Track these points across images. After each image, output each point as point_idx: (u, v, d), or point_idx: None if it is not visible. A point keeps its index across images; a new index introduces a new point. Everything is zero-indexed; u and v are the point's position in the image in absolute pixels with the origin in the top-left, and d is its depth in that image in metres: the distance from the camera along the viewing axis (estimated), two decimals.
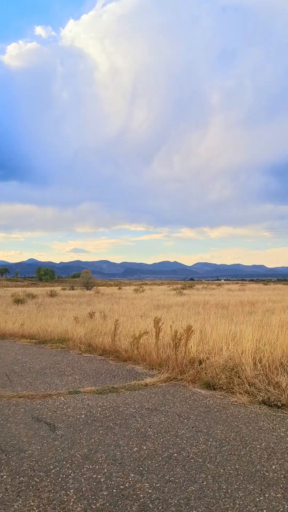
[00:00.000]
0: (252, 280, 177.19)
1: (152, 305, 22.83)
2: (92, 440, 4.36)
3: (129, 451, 4.09)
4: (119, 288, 61.55)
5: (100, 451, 4.09)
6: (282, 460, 3.84)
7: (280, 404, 5.21)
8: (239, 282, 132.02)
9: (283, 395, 5.33)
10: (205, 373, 6.24)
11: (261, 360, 6.33)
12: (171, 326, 7.98)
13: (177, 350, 6.89)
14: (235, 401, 5.47)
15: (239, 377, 5.92)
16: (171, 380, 6.57)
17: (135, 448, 4.14)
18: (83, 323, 12.65)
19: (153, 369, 7.28)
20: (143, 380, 6.65)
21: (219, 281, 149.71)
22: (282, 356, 6.40)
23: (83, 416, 5.06)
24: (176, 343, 6.83)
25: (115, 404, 5.50)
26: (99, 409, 5.30)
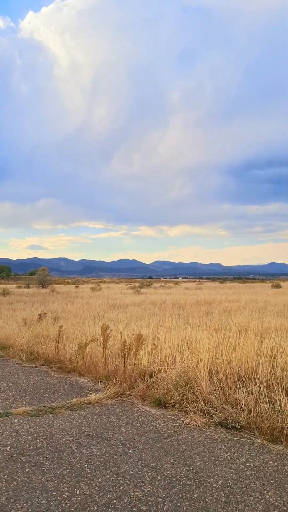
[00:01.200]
0: (209, 279, 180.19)
1: (107, 305, 22.03)
2: (15, 483, 3.52)
3: (58, 497, 3.29)
4: (76, 287, 60.08)
5: (22, 500, 3.26)
6: (243, 505, 3.19)
7: (239, 426, 4.59)
8: (197, 280, 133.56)
9: (242, 415, 4.72)
10: (157, 388, 5.54)
11: (217, 372, 5.72)
12: (121, 333, 7.22)
13: (126, 362, 6.15)
14: (189, 423, 4.80)
15: (193, 392, 5.26)
16: (118, 396, 5.82)
17: (66, 494, 3.35)
18: (30, 326, 11.66)
19: (99, 382, 6.49)
20: (86, 396, 5.85)
21: (177, 280, 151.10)
22: (240, 368, 5.82)
23: (8, 448, 4.19)
24: (125, 354, 6.08)
25: (49, 430, 4.66)
26: (29, 437, 4.45)
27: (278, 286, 50.54)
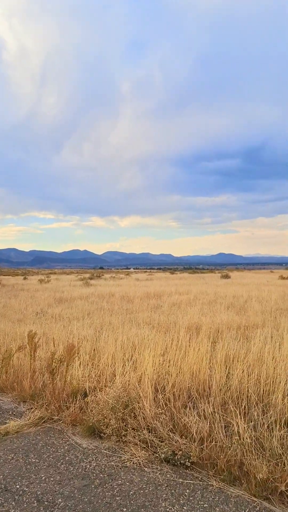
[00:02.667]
0: (160, 269, 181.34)
1: (54, 298, 20.71)
2: None
3: None
4: (25, 278, 57.55)
5: None
6: None
7: (189, 463, 3.70)
8: (148, 271, 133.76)
9: (193, 446, 3.84)
10: (91, 411, 4.53)
11: (164, 389, 4.81)
12: (53, 340, 6.13)
13: (56, 378, 5.08)
14: (129, 460, 3.84)
15: (135, 417, 4.31)
16: (45, 421, 4.75)
17: None
18: None
19: (24, 402, 5.38)
20: (5, 423, 4.73)
21: (128, 270, 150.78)
22: (191, 382, 4.95)
23: None
24: (53, 369, 5.01)
25: None
26: None
27: (227, 277, 51.20)
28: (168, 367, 5.14)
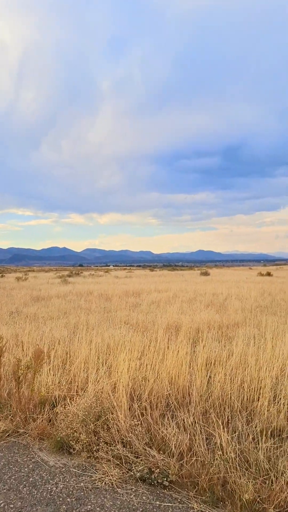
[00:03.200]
0: (140, 266, 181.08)
1: (30, 297, 20.08)
2: None
3: None
4: (2, 276, 56.29)
5: None
6: None
7: (168, 483, 3.33)
8: (127, 268, 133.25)
9: (171, 462, 3.47)
10: (60, 425, 4.11)
11: (140, 397, 4.43)
12: (22, 343, 5.67)
13: (22, 386, 4.64)
14: (100, 479, 3.44)
15: (108, 429, 3.92)
16: (9, 435, 4.30)
17: None
18: None
19: None
20: None
21: (108, 267, 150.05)
22: (169, 388, 4.57)
23: None
24: (19, 377, 4.56)
25: None
26: None
27: (206, 274, 51.28)
28: (145, 372, 4.75)
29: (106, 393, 4.25)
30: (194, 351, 5.55)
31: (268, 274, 50.46)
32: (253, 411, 4.13)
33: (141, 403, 4.25)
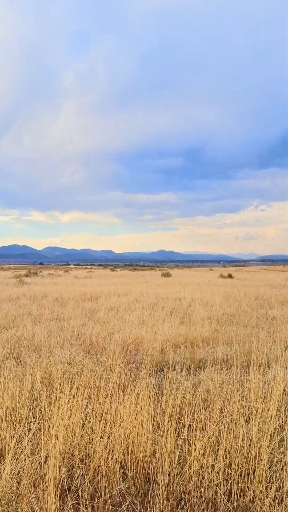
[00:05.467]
0: (101, 265, 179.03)
1: None
2: None
3: None
4: None
5: None
6: None
7: None
8: (88, 267, 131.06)
9: None
10: None
11: (80, 484, 3.06)
12: None
13: None
14: None
15: None
16: None
17: None
18: None
19: None
20: None
21: (68, 266, 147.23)
22: (125, 465, 3.25)
23: None
24: None
25: None
26: None
27: (167, 275, 50.60)
28: (91, 434, 3.41)
29: (26, 486, 2.85)
30: (159, 391, 4.28)
31: (230, 276, 50.47)
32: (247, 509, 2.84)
33: (79, 496, 2.89)
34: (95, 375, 4.74)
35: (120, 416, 3.40)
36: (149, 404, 3.62)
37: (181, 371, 4.93)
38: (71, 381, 4.45)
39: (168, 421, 3.39)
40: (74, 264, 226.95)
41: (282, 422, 3.60)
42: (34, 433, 3.45)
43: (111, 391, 4.09)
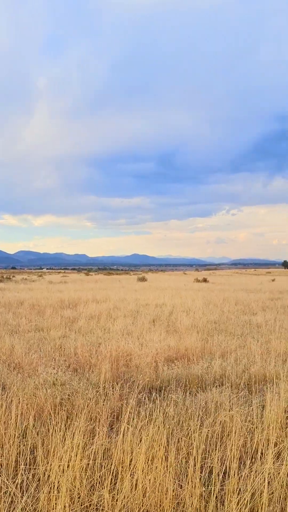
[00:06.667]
0: (75, 269, 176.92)
1: None
2: None
3: None
4: None
5: None
6: None
7: None
8: (62, 271, 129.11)
9: None
10: None
11: None
12: None
13: None
14: None
15: None
16: None
17: None
18: None
19: None
20: None
21: (42, 271, 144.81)
22: None
23: None
24: None
25: None
26: None
27: (143, 279, 50.29)
28: (100, 488, 2.78)
29: None
30: (168, 442, 3.60)
31: (205, 280, 50.62)
32: None
33: None
34: (89, 401, 4.25)
35: (131, 462, 2.84)
36: (164, 448, 2.99)
37: (183, 395, 4.49)
38: (63, 408, 3.95)
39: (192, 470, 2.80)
40: (47, 269, 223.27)
41: None
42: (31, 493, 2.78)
43: (110, 422, 3.61)
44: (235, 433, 3.17)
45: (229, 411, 3.64)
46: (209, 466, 2.99)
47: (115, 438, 3.30)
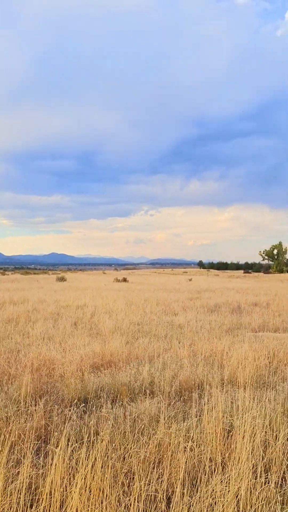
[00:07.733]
0: None
1: None
2: None
3: None
4: None
5: None
6: None
7: None
8: None
9: None
10: None
11: None
12: None
13: None
14: None
15: None
16: None
17: None
18: None
19: None
20: None
21: None
22: None
23: None
24: None
25: None
26: None
27: (63, 279, 49.02)
28: None
29: None
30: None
31: (124, 280, 50.84)
32: None
33: None
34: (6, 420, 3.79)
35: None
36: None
37: (112, 408, 4.22)
38: None
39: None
40: None
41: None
42: None
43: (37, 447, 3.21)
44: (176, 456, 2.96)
45: (168, 429, 3.43)
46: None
47: (42, 469, 2.91)
